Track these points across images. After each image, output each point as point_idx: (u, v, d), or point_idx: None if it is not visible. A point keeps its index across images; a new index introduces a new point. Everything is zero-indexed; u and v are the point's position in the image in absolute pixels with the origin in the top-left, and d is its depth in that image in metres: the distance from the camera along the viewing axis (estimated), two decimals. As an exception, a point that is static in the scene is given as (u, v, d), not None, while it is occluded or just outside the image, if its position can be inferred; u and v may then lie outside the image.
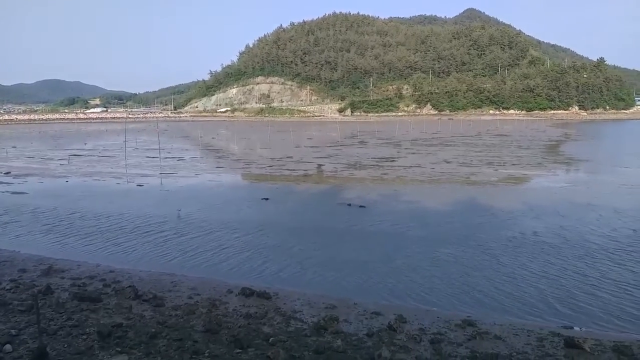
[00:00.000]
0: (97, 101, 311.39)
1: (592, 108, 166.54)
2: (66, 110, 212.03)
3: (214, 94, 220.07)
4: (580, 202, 20.35)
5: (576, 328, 8.95)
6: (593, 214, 18.22)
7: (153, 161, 38.49)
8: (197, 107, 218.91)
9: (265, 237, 15.37)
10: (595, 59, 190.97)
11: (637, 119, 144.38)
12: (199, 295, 10.18)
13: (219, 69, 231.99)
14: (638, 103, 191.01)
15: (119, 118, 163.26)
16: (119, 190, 25.16)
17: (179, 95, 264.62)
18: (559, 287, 10.98)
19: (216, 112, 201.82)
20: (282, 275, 12.05)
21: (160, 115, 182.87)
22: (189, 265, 12.82)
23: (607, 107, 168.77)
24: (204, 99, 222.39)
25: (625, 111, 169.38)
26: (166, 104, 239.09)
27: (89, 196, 23.06)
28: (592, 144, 57.58)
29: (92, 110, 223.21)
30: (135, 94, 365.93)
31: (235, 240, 15.04)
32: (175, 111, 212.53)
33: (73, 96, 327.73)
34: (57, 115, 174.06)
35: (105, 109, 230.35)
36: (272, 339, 7.72)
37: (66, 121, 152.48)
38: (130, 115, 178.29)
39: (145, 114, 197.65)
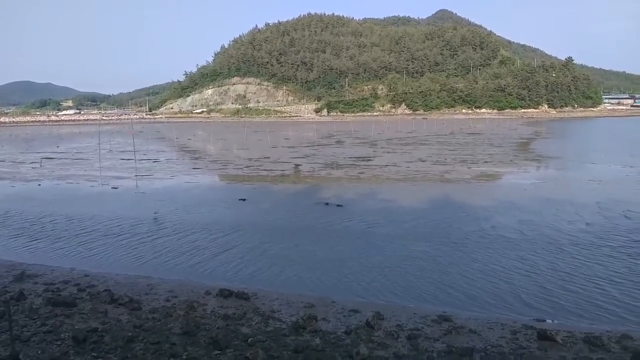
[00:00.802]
0: (70, 103, 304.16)
1: (561, 106, 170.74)
2: (38, 113, 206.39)
3: (189, 95, 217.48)
4: (550, 198, 20.89)
5: (548, 321, 9.21)
6: (563, 209, 18.73)
7: (128, 163, 37.88)
8: (172, 108, 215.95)
9: (243, 237, 15.33)
10: (563, 59, 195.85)
11: (604, 117, 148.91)
12: (176, 298, 10.11)
13: (194, 70, 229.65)
14: (605, 101, 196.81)
15: (92, 120, 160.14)
16: (93, 193, 24.70)
17: (154, 97, 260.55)
18: (531, 281, 11.28)
19: (192, 113, 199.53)
20: (260, 275, 12.05)
21: (135, 116, 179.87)
22: (166, 267, 12.70)
23: (576, 105, 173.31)
24: (179, 100, 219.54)
25: (592, 109, 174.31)
26: (141, 106, 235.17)
27: (62, 200, 22.58)
28: (561, 141, 59.08)
29: (64, 112, 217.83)
30: (109, 96, 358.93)
31: (212, 241, 14.96)
32: (150, 112, 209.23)
33: (45, 98, 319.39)
34: (28, 118, 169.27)
35: (78, 111, 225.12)
36: (250, 339, 7.74)
37: (38, 124, 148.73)
38: (104, 117, 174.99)
39: (120, 115, 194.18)
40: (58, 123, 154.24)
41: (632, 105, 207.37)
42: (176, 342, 7.55)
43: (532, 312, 9.67)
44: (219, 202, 21.55)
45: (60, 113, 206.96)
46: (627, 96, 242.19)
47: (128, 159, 40.17)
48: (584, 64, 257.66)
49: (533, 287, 10.91)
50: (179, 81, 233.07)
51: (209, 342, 7.57)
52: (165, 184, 27.42)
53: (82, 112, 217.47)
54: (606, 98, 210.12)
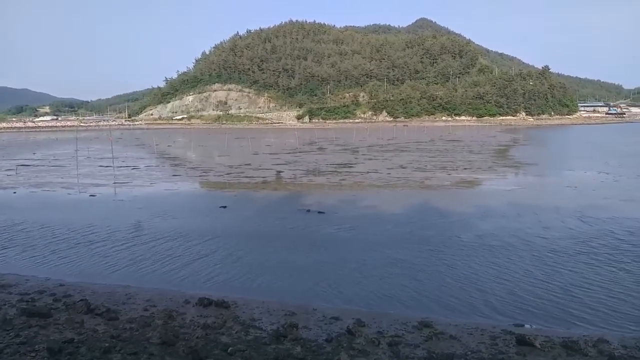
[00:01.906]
0: (47, 109, 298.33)
1: (538, 114, 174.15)
2: (14, 119, 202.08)
3: (169, 101, 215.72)
4: (528, 204, 21.23)
5: (527, 326, 9.32)
6: (540, 215, 19.05)
7: (106, 170, 37.28)
8: (152, 114, 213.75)
9: (223, 245, 15.19)
10: (540, 67, 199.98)
11: (580, 124, 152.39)
12: (154, 307, 9.94)
13: (175, 76, 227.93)
14: (581, 109, 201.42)
15: (70, 126, 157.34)
16: (70, 200, 24.23)
17: (134, 103, 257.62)
18: (509, 286, 11.41)
19: (172, 119, 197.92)
20: (241, 283, 11.94)
21: (114, 123, 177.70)
22: (144, 276, 12.50)
23: (552, 113, 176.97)
24: (160, 107, 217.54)
25: (569, 116, 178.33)
26: (120, 112, 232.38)
27: (38, 207, 22.08)
28: (538, 148, 60.20)
29: (41, 118, 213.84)
30: (88, 102, 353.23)
31: (192, 249, 14.79)
32: (129, 119, 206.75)
33: (21, 104, 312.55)
34: (3, 124, 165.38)
35: (55, 117, 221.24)
36: (230, 348, 7.64)
37: (14, 130, 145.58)
38: (82, 124, 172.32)
39: (98, 122, 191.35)
40: (35, 129, 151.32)
41: (607, 113, 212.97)
42: (154, 353, 7.42)
43: (511, 318, 9.77)
44: (199, 210, 21.34)
45: (37, 119, 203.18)
46: (602, 104, 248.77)
47: (106, 166, 39.54)
48: (560, 72, 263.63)
49: (512, 292, 11.03)
50: (159, 87, 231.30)
51: (188, 352, 7.45)
52: (145, 191, 27.06)
53: (59, 119, 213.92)
54: (582, 106, 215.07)
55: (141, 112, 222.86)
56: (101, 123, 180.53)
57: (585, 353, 7.73)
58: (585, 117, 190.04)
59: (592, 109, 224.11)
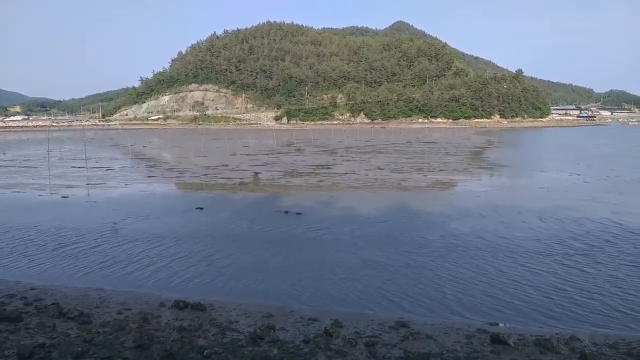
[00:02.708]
0: (18, 109, 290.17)
1: (512, 116, 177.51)
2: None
3: (145, 102, 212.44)
4: (501, 205, 21.63)
5: (501, 324, 9.49)
6: (514, 216, 19.42)
7: (79, 171, 36.50)
8: (127, 114, 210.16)
9: (200, 247, 15.03)
10: (514, 71, 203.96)
11: (552, 127, 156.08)
12: (129, 310, 9.78)
13: (150, 76, 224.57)
14: (553, 112, 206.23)
15: (41, 126, 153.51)
16: (41, 202, 23.62)
17: (108, 103, 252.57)
18: (484, 285, 11.60)
19: (148, 119, 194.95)
20: (217, 285, 11.84)
21: (87, 123, 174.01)
22: (118, 279, 12.27)
23: (526, 116, 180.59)
24: (135, 107, 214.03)
25: (541, 119, 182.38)
26: (94, 112, 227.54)
27: (7, 209, 21.46)
28: (512, 150, 61.38)
29: (12, 118, 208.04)
30: (60, 101, 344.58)
31: (168, 251, 14.59)
32: (103, 119, 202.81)
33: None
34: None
35: (26, 117, 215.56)
36: (206, 351, 7.57)
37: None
38: (54, 124, 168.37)
39: (71, 122, 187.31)
40: (5, 129, 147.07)
41: (578, 116, 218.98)
42: (128, 357, 7.30)
43: (486, 316, 9.94)
44: (175, 211, 21.07)
45: (7, 119, 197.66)
46: (574, 107, 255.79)
47: (79, 167, 38.74)
48: (533, 76, 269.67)
49: (486, 292, 11.22)
50: (134, 87, 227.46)
51: (163, 355, 7.35)
52: (119, 192, 26.58)
53: (30, 118, 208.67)
54: (554, 109, 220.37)
55: (115, 112, 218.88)
56: (74, 123, 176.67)
57: (558, 351, 7.90)
58: (557, 120, 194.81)
59: (564, 112, 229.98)
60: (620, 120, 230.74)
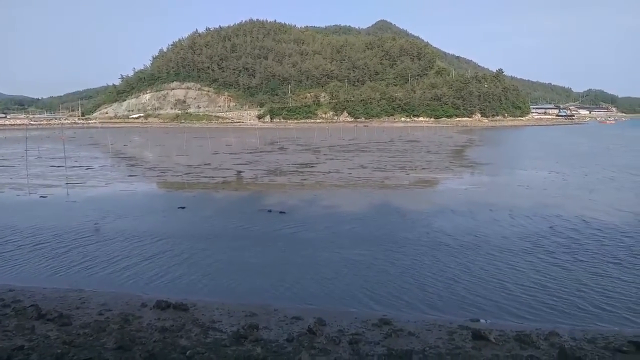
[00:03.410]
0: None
1: (493, 115, 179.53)
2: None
3: (125, 100, 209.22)
4: (482, 202, 21.90)
5: (482, 321, 9.61)
6: (494, 213, 19.69)
7: (58, 170, 35.86)
8: (107, 113, 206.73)
9: (182, 247, 14.90)
10: (494, 70, 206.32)
11: (532, 125, 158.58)
12: (110, 311, 9.66)
13: (131, 74, 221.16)
14: (533, 111, 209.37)
15: (19, 125, 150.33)
16: (19, 202, 23.15)
17: (87, 101, 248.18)
18: (466, 283, 11.74)
19: (128, 118, 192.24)
20: (200, 285, 11.76)
21: (67, 121, 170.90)
22: (98, 279, 12.11)
23: (506, 115, 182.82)
24: (115, 105, 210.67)
25: (521, 118, 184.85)
26: (73, 110, 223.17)
27: (-19, 210, 20.99)
28: (493, 148, 62.17)
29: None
30: (38, 99, 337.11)
31: (149, 251, 14.43)
32: (83, 117, 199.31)
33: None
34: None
35: (4, 115, 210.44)
36: (189, 351, 7.51)
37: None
38: (32, 122, 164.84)
39: (50, 120, 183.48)
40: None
41: (557, 115, 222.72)
42: (109, 358, 7.20)
43: (468, 313, 10.06)
44: (157, 211, 20.85)
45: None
46: (553, 106, 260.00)
47: (58, 166, 38.05)
48: (513, 75, 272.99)
49: (468, 289, 11.35)
50: (114, 85, 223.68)
51: (145, 356, 7.27)
52: (99, 192, 26.19)
53: (7, 117, 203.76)
54: (534, 108, 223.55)
55: (95, 110, 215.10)
56: (53, 121, 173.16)
57: (538, 346, 8.04)
58: (537, 118, 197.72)
59: (543, 111, 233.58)
60: (598, 119, 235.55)
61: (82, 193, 25.69)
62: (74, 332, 8.41)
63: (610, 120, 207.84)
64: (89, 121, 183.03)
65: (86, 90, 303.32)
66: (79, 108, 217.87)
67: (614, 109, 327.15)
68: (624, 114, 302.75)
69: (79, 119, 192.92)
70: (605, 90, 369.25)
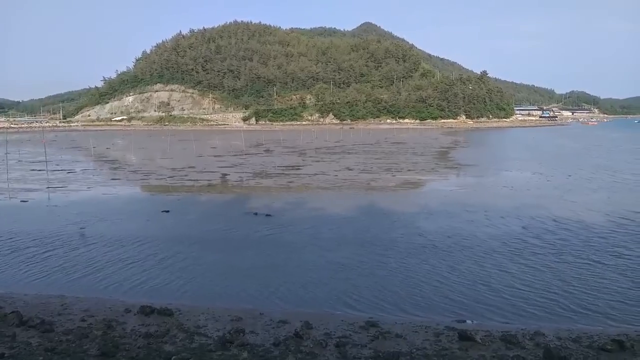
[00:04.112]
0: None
1: (477, 117, 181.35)
2: None
3: (108, 102, 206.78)
4: (468, 204, 22.04)
5: (468, 321, 9.66)
6: (479, 214, 19.82)
7: (39, 174, 35.26)
8: (89, 115, 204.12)
9: (166, 251, 14.72)
10: (479, 72, 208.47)
11: (516, 127, 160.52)
12: (92, 317, 9.48)
13: (114, 76, 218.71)
14: (516, 112, 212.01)
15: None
16: (-3, 207, 22.69)
17: (69, 103, 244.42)
18: (452, 284, 11.78)
19: (111, 121, 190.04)
20: (185, 290, 11.62)
21: (48, 124, 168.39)
22: (81, 285, 11.89)
23: (490, 116, 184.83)
24: (97, 107, 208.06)
25: (505, 119, 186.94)
26: (54, 113, 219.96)
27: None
28: (478, 150, 62.74)
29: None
30: (19, 102, 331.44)
31: (133, 256, 14.23)
32: (64, 120, 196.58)
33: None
34: None
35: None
36: (174, 357, 7.40)
37: None
38: (12, 125, 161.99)
39: (31, 123, 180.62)
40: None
41: (540, 116, 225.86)
42: (92, 366, 7.06)
43: (454, 313, 10.09)
44: (140, 215, 20.59)
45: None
46: (536, 108, 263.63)
47: (39, 170, 37.39)
48: (497, 77, 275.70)
49: (454, 290, 11.40)
50: (96, 87, 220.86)
51: (128, 363, 7.15)
52: (81, 196, 25.78)
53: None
54: (517, 109, 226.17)
55: (77, 113, 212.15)
56: (34, 124, 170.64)
57: (523, 346, 8.09)
58: (520, 120, 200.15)
59: (527, 112, 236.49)
60: (580, 120, 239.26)
61: (63, 197, 25.27)
62: (57, 339, 8.25)
63: (592, 122, 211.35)
64: (71, 124, 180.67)
65: (68, 93, 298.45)
66: (61, 111, 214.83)
67: (596, 110, 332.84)
68: (605, 115, 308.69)
69: (60, 122, 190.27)
70: (587, 92, 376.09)
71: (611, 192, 25.69)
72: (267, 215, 19.85)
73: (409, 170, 37.18)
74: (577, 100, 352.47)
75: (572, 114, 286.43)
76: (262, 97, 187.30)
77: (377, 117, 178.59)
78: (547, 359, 7.44)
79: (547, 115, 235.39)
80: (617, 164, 40.53)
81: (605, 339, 8.30)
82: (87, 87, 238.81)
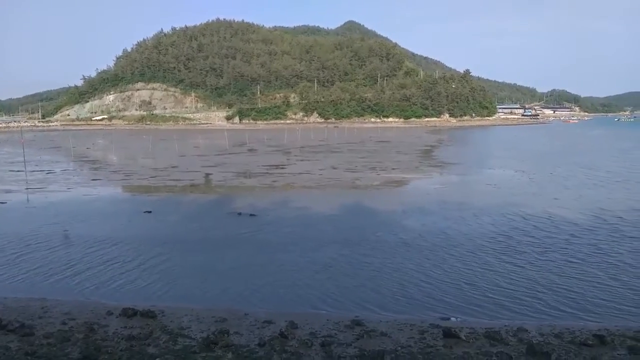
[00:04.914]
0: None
1: (461, 115, 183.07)
2: None
3: (88, 101, 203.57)
4: (452, 201, 22.23)
5: (452, 319, 9.73)
6: (463, 212, 20.00)
7: (18, 175, 34.55)
8: (69, 115, 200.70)
9: (149, 252, 14.53)
10: (462, 71, 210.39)
11: (498, 125, 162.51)
12: (74, 320, 9.32)
13: (94, 74, 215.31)
14: (499, 111, 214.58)
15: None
16: (-26, 209, 22.16)
17: (48, 103, 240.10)
18: (436, 282, 11.85)
19: (91, 120, 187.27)
20: (168, 291, 11.48)
21: (26, 124, 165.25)
22: (62, 288, 11.68)
23: (473, 115, 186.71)
24: (77, 107, 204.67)
25: (488, 118, 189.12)
26: (33, 112, 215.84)
27: None
28: (461, 148, 63.34)
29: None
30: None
31: (114, 258, 14.01)
32: (43, 120, 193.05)
33: None
34: None
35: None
36: (157, 359, 7.30)
37: None
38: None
39: (8, 123, 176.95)
40: None
41: (522, 115, 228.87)
42: (73, 370, 6.93)
43: (439, 311, 10.15)
44: (122, 215, 20.29)
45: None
46: (518, 106, 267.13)
47: (18, 171, 36.63)
48: (480, 76, 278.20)
49: (439, 287, 11.47)
50: (76, 86, 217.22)
51: (110, 366, 7.03)
52: (61, 197, 25.33)
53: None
54: (500, 108, 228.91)
55: (56, 112, 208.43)
56: (12, 124, 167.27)
57: (507, 342, 8.17)
58: (503, 118, 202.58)
59: (509, 110, 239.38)
60: (561, 118, 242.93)
61: (43, 198, 24.80)
62: (37, 343, 8.11)
63: (573, 120, 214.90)
64: (50, 124, 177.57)
65: (47, 92, 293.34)
66: (39, 110, 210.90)
67: (576, 108, 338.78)
68: (586, 113, 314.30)
69: (39, 121, 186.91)
70: (568, 90, 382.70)
71: (591, 190, 26.15)
72: (251, 215, 19.74)
73: (394, 168, 37.34)
74: (559, 99, 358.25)
75: (554, 112, 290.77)
76: (246, 95, 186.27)
77: (362, 115, 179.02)
78: (530, 355, 7.53)
79: (529, 113, 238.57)
80: (597, 162, 41.25)
81: (586, 334, 8.43)
82: (67, 86, 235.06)
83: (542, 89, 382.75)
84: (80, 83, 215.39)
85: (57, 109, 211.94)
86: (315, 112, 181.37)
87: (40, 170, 37.74)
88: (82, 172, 37.81)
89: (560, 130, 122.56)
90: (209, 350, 7.80)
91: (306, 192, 26.39)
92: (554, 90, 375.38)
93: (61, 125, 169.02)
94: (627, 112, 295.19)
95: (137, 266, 13.24)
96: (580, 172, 33.34)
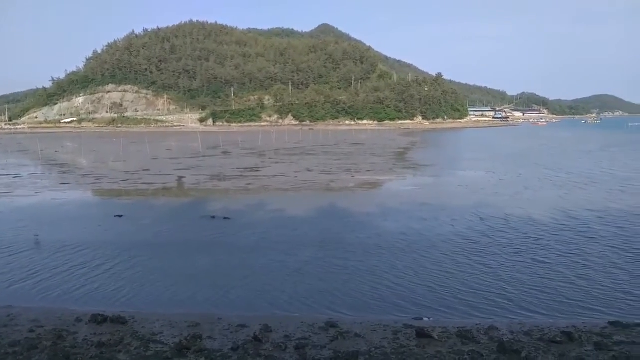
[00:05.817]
0: None
1: (433, 118, 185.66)
2: None
3: (56, 103, 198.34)
4: (425, 203, 22.52)
5: (425, 319, 9.86)
6: (436, 213, 20.29)
7: (-19, 179, 33.41)
8: (36, 117, 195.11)
9: (119, 257, 14.26)
10: (434, 74, 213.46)
11: (470, 127, 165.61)
12: (42, 328, 9.08)
13: (63, 76, 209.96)
14: (470, 113, 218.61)
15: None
16: None
17: (15, 105, 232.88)
18: (409, 283, 11.99)
19: (60, 123, 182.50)
20: (139, 297, 11.29)
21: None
22: (29, 294, 11.36)
23: (446, 117, 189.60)
24: (45, 109, 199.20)
25: (460, 120, 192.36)
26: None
27: None
28: (434, 150, 64.22)
29: None
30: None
31: (84, 263, 13.70)
32: (10, 122, 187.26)
33: None
34: None
35: None
36: (128, 366, 7.17)
37: None
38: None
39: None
40: None
41: (493, 117, 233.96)
42: (40, 379, 6.74)
43: (411, 312, 10.26)
44: (92, 220, 19.85)
45: None
46: (489, 109, 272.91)
47: (-18, 175, 35.46)
48: (452, 79, 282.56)
49: (410, 288, 11.61)
50: (44, 88, 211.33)
51: (79, 375, 6.86)
52: (29, 201, 24.62)
53: None
54: (472, 110, 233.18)
55: (24, 114, 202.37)
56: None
57: (478, 341, 8.32)
58: (474, 121, 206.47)
59: (480, 113, 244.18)
60: (530, 120, 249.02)
61: (8, 203, 24.05)
62: (3, 352, 7.89)
63: (542, 122, 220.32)
64: (17, 126, 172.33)
65: (13, 94, 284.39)
66: (6, 112, 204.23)
67: (545, 111, 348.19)
68: (554, 116, 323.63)
69: (5, 124, 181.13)
70: (537, 94, 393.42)
71: (558, 190, 26.86)
72: (225, 218, 19.58)
73: (368, 170, 37.60)
74: (528, 102, 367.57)
75: (523, 114, 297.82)
76: (220, 97, 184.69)
77: (336, 118, 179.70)
78: (501, 353, 7.69)
79: (500, 116, 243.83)
80: (563, 162, 42.42)
81: (555, 331, 8.65)
82: (34, 88, 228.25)
83: (512, 92, 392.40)
84: (48, 85, 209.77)
85: (25, 112, 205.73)
86: (290, 115, 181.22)
87: (7, 174, 36.61)
88: (51, 176, 36.84)
89: (530, 132, 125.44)
90: (182, 355, 7.70)
91: (281, 194, 26.33)
92: (523, 93, 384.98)
93: (29, 128, 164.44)
94: (593, 115, 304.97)
95: (106, 271, 12.98)
96: (547, 174, 34.21)
